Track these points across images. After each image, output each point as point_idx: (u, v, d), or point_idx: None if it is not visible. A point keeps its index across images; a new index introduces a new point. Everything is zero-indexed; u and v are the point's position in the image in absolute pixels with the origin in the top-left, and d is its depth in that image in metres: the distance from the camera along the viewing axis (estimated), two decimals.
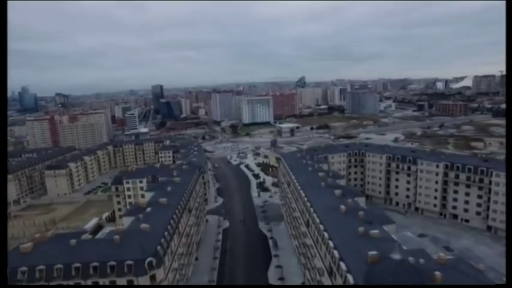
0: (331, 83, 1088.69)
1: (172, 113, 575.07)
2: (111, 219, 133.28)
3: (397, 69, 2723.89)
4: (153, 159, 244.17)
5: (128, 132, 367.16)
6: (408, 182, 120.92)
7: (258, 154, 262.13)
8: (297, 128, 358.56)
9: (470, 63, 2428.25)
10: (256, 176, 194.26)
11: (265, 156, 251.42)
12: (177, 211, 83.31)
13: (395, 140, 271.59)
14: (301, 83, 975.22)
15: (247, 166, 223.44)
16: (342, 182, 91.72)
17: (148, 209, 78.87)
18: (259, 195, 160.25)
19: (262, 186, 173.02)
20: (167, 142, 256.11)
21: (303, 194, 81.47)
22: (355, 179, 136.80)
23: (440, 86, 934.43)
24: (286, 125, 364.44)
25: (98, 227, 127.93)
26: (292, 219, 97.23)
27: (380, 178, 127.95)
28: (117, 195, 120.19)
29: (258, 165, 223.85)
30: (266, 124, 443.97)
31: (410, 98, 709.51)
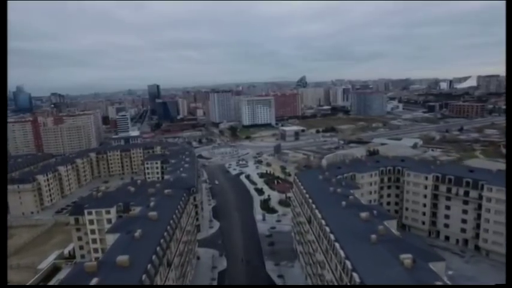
0: (331, 83, 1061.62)
1: (168, 114, 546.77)
2: (74, 255, 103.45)
3: (396, 69, 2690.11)
4: (141, 168, 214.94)
5: (116, 136, 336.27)
6: (465, 212, 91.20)
7: (260, 162, 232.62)
8: (302, 131, 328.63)
9: (470, 64, 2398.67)
10: (260, 191, 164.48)
11: (268, 164, 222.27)
12: (144, 276, 53.60)
13: (415, 145, 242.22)
14: (302, 83, 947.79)
15: (248, 177, 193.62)
16: (393, 225, 62.23)
17: (95, 281, 48.94)
18: (264, 219, 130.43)
19: (267, 206, 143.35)
20: (157, 148, 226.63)
21: (343, 254, 51.72)
22: (388, 203, 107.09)
23: (444, 86, 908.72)
24: (290, 128, 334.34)
25: (54, 269, 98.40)
26: (318, 277, 67.60)
27: (424, 204, 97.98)
28: (78, 229, 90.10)
29: (261, 176, 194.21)
30: (267, 126, 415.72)
31: (416, 98, 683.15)
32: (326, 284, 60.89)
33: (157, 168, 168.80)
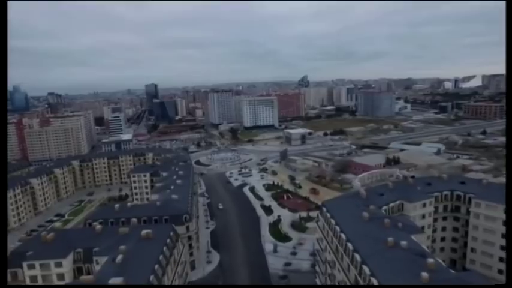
0: (332, 82, 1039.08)
1: (166, 114, 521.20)
2: None
3: (397, 68, 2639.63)
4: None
5: (106, 140, 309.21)
6: None
7: (265, 170, 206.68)
8: (309, 133, 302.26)
9: (471, 63, 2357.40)
10: (267, 209, 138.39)
11: (274, 173, 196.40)
12: None
13: (438, 151, 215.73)
14: (304, 82, 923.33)
15: (252, 190, 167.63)
16: None
17: None
18: (275, 250, 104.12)
19: (278, 232, 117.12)
20: (150, 155, 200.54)
21: None
22: (443, 239, 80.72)
23: (448, 85, 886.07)
24: (296, 131, 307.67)
25: None
26: None
27: (502, 247, 71.61)
28: None
29: (268, 188, 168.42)
30: (270, 128, 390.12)
31: (422, 98, 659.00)
32: None
33: (145, 181, 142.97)
